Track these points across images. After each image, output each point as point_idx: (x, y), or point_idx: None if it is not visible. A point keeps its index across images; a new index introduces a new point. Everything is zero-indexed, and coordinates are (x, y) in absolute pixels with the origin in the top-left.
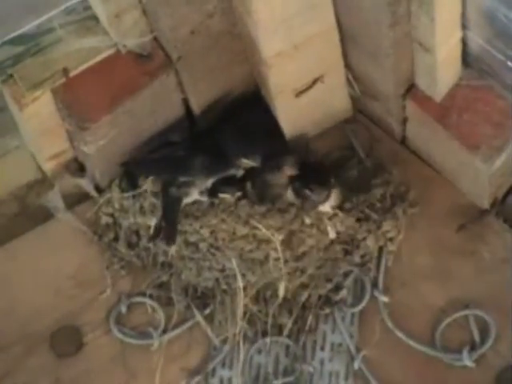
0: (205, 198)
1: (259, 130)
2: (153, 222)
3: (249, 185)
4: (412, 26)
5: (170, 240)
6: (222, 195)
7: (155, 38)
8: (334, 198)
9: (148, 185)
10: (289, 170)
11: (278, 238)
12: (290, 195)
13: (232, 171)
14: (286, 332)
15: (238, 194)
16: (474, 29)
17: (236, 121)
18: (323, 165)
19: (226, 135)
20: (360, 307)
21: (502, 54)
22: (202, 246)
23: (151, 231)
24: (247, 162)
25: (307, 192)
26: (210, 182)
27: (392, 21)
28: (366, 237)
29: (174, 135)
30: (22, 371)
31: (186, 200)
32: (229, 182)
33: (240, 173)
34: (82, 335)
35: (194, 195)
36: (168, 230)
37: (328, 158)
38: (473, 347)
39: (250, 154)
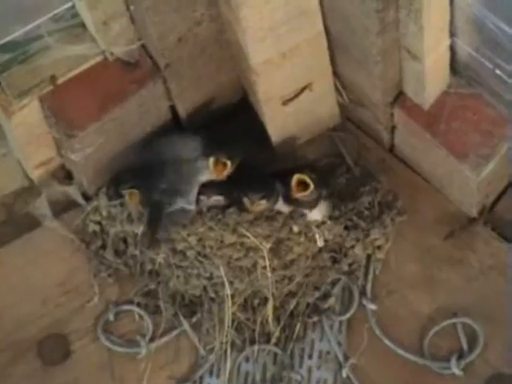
0: (192, 207)
1: (246, 137)
2: (140, 229)
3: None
4: (400, 34)
5: (152, 244)
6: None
7: (143, 46)
8: (324, 207)
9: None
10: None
11: (265, 246)
12: (279, 205)
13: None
14: (273, 340)
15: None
16: (463, 36)
17: (223, 128)
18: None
19: (213, 142)
20: (348, 315)
21: (490, 62)
22: (190, 253)
23: (139, 237)
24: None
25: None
26: (195, 191)
27: (380, 28)
28: (354, 245)
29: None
30: (9, 379)
31: (171, 208)
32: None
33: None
34: (70, 343)
35: (179, 203)
36: (149, 232)
37: (316, 166)
38: (461, 355)
39: (231, 153)
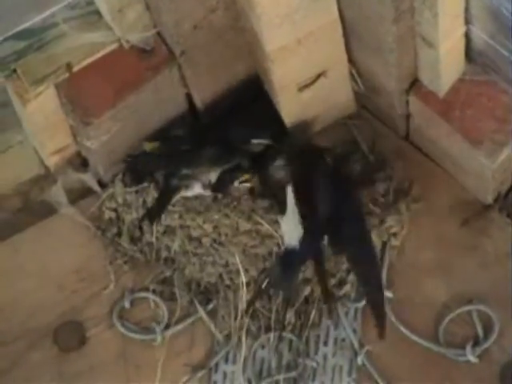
0: (208, 193)
1: (263, 119)
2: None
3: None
4: (415, 21)
5: (153, 218)
6: (235, 185)
7: (158, 33)
8: None
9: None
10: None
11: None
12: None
13: (237, 160)
14: (289, 327)
15: (245, 182)
16: (478, 24)
17: (239, 114)
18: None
19: (230, 126)
20: (363, 302)
21: (505, 49)
22: (205, 241)
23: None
24: (258, 142)
25: None
26: (214, 176)
27: (395, 16)
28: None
29: (177, 130)
30: (26, 366)
31: (187, 193)
32: (235, 173)
33: (245, 163)
34: (85, 330)
35: (195, 189)
36: (154, 209)
37: (331, 153)
38: (476, 342)
39: (259, 135)
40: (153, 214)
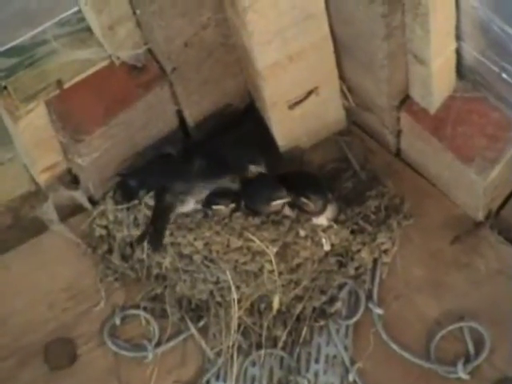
0: (199, 206)
1: (254, 141)
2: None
3: (243, 202)
4: (406, 38)
5: (156, 245)
6: (215, 207)
7: (149, 50)
8: (330, 211)
9: (142, 197)
10: (278, 205)
11: (272, 250)
12: (285, 209)
13: (228, 181)
14: (280, 344)
15: (232, 205)
16: (469, 40)
17: (230, 132)
18: (318, 175)
19: (222, 146)
20: (354, 319)
21: (496, 66)
22: (196, 258)
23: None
24: (255, 168)
25: (303, 200)
26: (206, 192)
27: (386, 32)
28: (360, 249)
29: (168, 147)
30: None
31: (182, 209)
32: (223, 194)
33: (235, 186)
34: (76, 347)
35: (190, 204)
36: (155, 235)
37: (322, 170)
38: (467, 359)
39: (256, 161)
40: (154, 239)
